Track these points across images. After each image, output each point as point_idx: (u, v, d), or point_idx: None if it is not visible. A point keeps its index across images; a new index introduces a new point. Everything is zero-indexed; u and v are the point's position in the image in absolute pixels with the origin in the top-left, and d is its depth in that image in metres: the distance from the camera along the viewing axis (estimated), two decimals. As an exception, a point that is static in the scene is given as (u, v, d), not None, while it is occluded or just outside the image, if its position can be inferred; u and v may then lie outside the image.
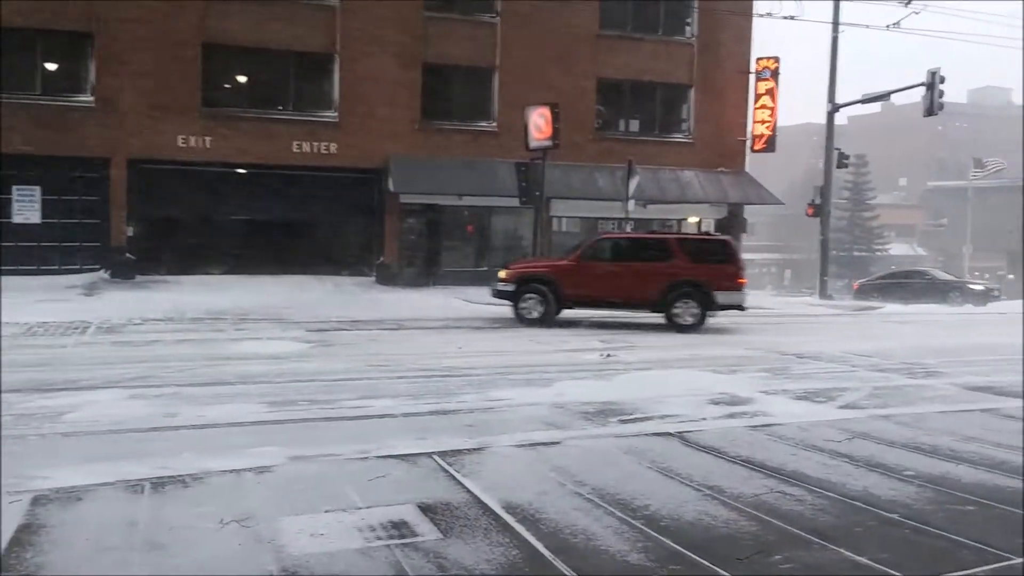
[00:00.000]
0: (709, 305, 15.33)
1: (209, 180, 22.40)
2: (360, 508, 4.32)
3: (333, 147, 23.04)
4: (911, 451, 5.79)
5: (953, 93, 29.82)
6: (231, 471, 4.95)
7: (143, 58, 21.35)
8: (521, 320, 15.53)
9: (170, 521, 4.09)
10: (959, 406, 7.70)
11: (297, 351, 11.02)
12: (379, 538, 3.90)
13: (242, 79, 23.42)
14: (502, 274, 16.27)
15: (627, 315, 16.73)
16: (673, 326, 15.27)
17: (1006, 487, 4.90)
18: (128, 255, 21.33)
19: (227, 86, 23.27)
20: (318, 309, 17.45)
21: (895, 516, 4.34)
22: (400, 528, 4.04)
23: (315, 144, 22.93)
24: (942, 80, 24.31)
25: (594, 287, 15.48)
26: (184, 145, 21.88)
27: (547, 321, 15.42)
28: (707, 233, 18.21)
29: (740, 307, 15.86)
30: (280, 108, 23.08)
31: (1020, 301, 36.58)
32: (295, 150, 22.74)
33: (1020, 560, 3.69)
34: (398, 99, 23.58)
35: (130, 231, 21.85)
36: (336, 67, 23.20)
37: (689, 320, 15.28)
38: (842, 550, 3.83)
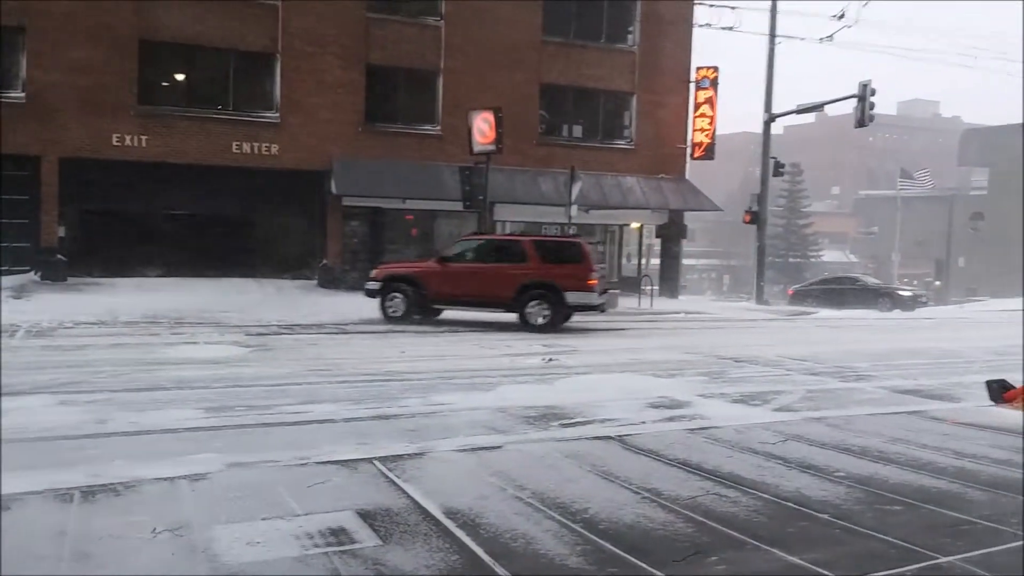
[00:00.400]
0: (560, 306, 15.65)
1: (145, 180, 21.90)
2: (298, 515, 4.27)
3: (274, 148, 22.76)
4: (841, 452, 5.95)
5: (883, 105, 30.77)
6: (165, 479, 4.85)
7: (77, 54, 20.80)
8: (387, 318, 16.20)
9: (100, 530, 3.99)
10: (887, 409, 7.95)
11: (235, 355, 10.83)
12: (317, 545, 3.87)
13: (180, 77, 22.98)
14: (372, 274, 17.00)
15: (571, 320, 16.87)
16: (526, 326, 15.62)
17: (931, 487, 5.07)
18: (60, 256, 20.71)
19: (165, 84, 22.81)
20: (258, 312, 17.18)
21: (826, 516, 4.46)
22: (339, 535, 4.01)
23: (256, 145, 22.61)
24: (872, 92, 25.08)
25: (454, 287, 16.12)
26: (119, 144, 21.38)
27: (409, 319, 16.12)
28: (561, 235, 18.63)
29: (593, 307, 16.06)
30: (220, 108, 22.70)
31: (945, 307, 37.93)
32: (235, 150, 22.39)
33: (945, 559, 3.82)
34: (341, 101, 23.41)
35: (62, 232, 21.23)
36: (277, 67, 22.91)
37: (540, 320, 15.66)
38: (775, 550, 3.93)
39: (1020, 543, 4.06)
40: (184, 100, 22.53)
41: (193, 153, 21.98)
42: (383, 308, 16.37)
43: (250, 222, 23.97)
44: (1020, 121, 33.21)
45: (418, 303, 16.17)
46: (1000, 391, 8.03)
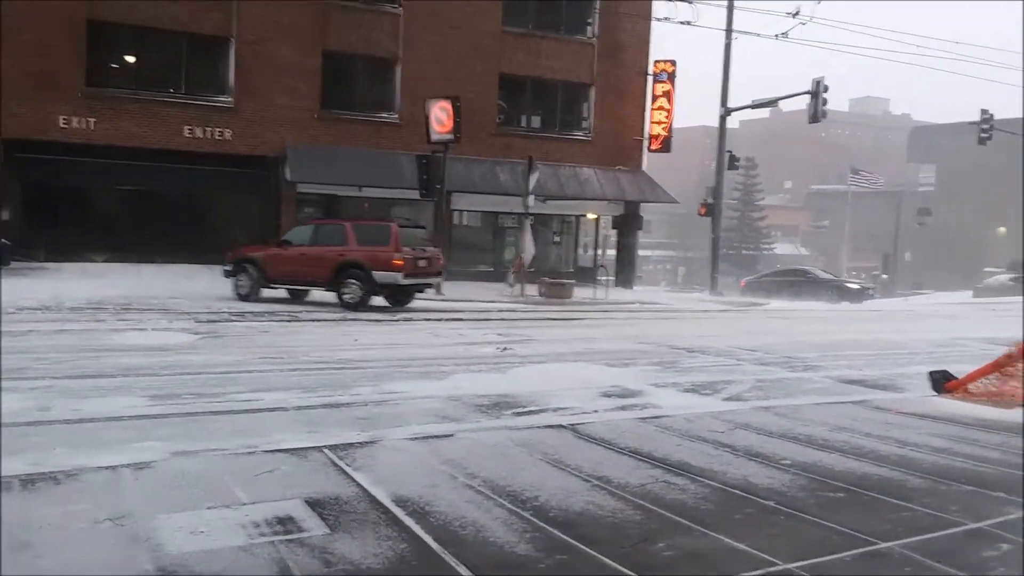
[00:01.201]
0: (370, 285, 16.36)
1: (93, 163, 21.39)
2: (245, 504, 4.21)
3: (228, 133, 22.38)
4: (788, 441, 6.05)
5: (836, 102, 31.27)
6: (107, 467, 4.74)
7: (23, 34, 20.18)
8: (237, 296, 17.38)
9: (40, 520, 3.88)
10: (833, 398, 8.10)
11: (184, 343, 10.65)
12: (263, 534, 3.81)
13: (130, 59, 22.47)
14: (228, 255, 18.07)
15: (524, 309, 16.92)
16: (343, 305, 16.31)
17: (873, 475, 5.18)
18: (3, 240, 20.11)
19: (114, 66, 22.30)
20: (208, 299, 16.91)
21: (771, 503, 4.53)
22: (286, 524, 3.96)
23: (208, 129, 22.22)
24: (825, 89, 25.51)
25: (287, 268, 17.12)
26: (66, 126, 20.86)
27: (255, 297, 17.25)
28: (374, 218, 19.56)
29: (401, 288, 16.69)
30: (171, 91, 22.24)
31: (892, 299, 38.83)
32: (186, 135, 21.98)
33: (884, 545, 3.91)
34: (297, 86, 23.10)
35: (5, 215, 20.68)
36: (231, 51, 22.50)
37: (352, 299, 16.40)
38: (722, 537, 3.98)
39: (958, 529, 4.17)
40: (134, 83, 22.04)
41: (143, 136, 21.53)
42: (235, 287, 17.60)
43: (201, 208, 23.56)
44: (966, 119, 34.06)
45: (261, 283, 17.35)
46: (942, 381, 8.24)
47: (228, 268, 17.79)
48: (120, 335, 11.15)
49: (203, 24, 22.20)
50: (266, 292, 17.57)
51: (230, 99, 22.57)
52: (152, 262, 21.38)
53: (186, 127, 21.99)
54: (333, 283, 16.61)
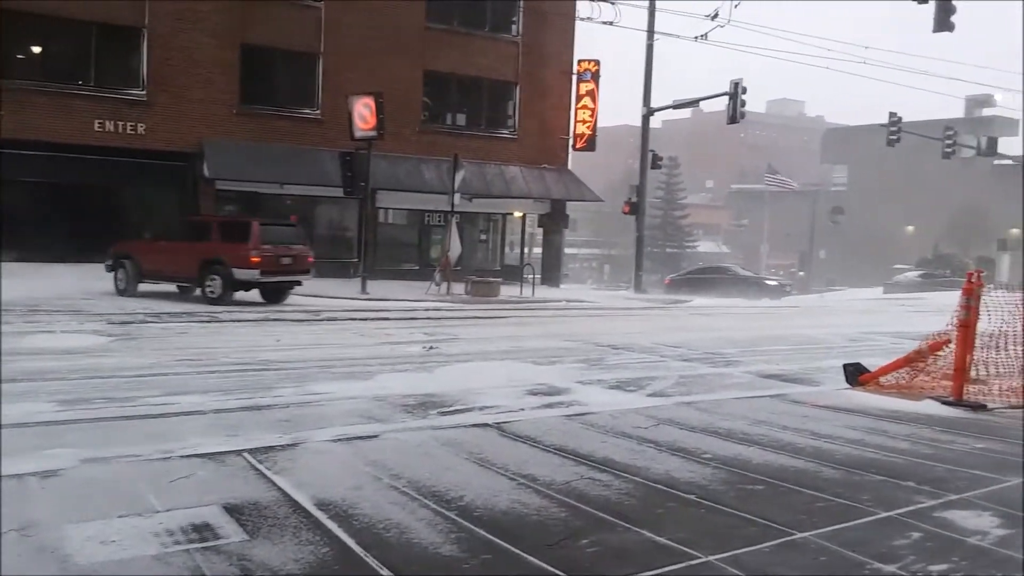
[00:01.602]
0: (230, 281, 16.59)
1: (-2, 157, 20.39)
2: (158, 512, 4.06)
3: (141, 128, 21.66)
4: (709, 435, 6.17)
5: (754, 103, 32.14)
6: (12, 476, 4.51)
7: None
8: (116, 291, 17.65)
9: (-65, 535, 3.67)
10: (752, 392, 8.30)
11: (96, 345, 10.25)
12: (178, 543, 3.69)
13: (37, 50, 21.50)
14: (110, 250, 18.22)
15: (450, 308, 16.85)
16: (205, 299, 16.66)
17: (789, 467, 5.32)
18: None
19: (20, 56, 21.31)
20: (122, 301, 16.33)
21: (692, 497, 4.61)
22: (202, 531, 3.84)
23: (120, 124, 21.45)
24: (744, 91, 26.14)
25: (158, 263, 17.46)
26: (-33, 119, 19.81)
27: (133, 292, 17.55)
28: (236, 216, 20.06)
29: (259, 285, 17.08)
30: (80, 83, 21.38)
31: (808, 296, 40.10)
32: (97, 129, 21.16)
33: (800, 535, 4.01)
34: (214, 80, 22.51)
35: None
36: (144, 42, 21.77)
37: (214, 294, 16.64)
38: (644, 531, 4.02)
39: (870, 518, 4.31)
40: (41, 74, 21.10)
41: (51, 131, 20.63)
42: (115, 281, 17.85)
43: (116, 205, 22.73)
44: (877, 121, 35.44)
45: (137, 278, 17.65)
46: (855, 374, 8.54)
47: (109, 263, 17.93)
48: (26, 338, 10.66)
49: (114, 14, 21.41)
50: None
51: (143, 92, 21.83)
52: (64, 262, 20.51)
53: (96, 121, 21.18)
54: (198, 278, 16.83)
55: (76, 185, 21.67)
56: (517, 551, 3.74)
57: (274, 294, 17.63)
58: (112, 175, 21.97)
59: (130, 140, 21.59)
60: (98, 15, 21.23)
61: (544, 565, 3.59)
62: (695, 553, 3.75)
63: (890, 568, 3.65)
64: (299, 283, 17.81)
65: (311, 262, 17.81)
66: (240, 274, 16.35)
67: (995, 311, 7.85)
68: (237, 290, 16.72)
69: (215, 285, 16.53)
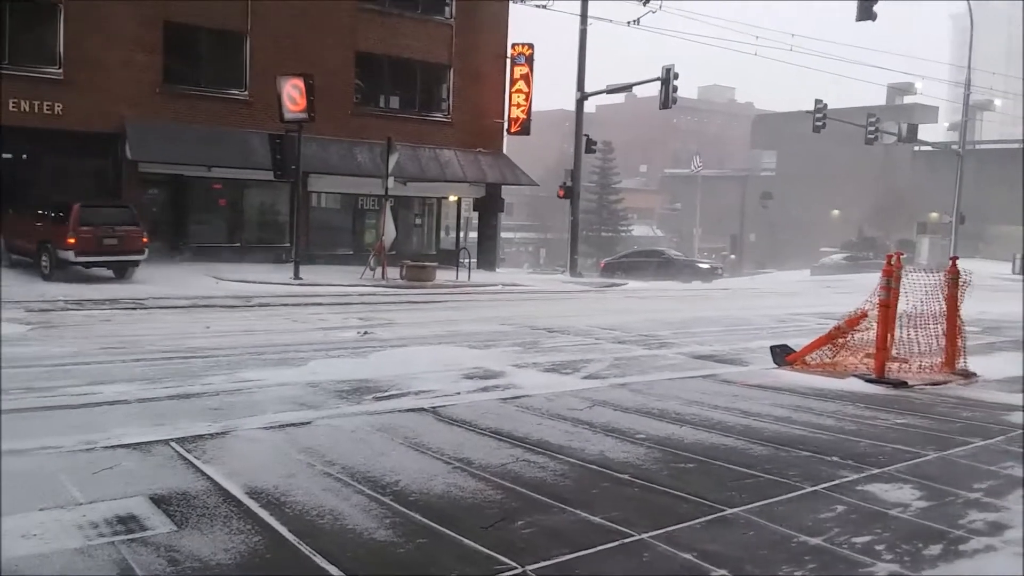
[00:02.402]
0: (56, 260, 17.73)
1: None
2: (81, 504, 3.93)
3: (59, 107, 20.79)
4: (643, 416, 6.26)
5: (686, 89, 32.53)
6: (-78, 472, 4.31)
7: None
8: None
9: None
10: (685, 373, 8.44)
11: (13, 334, 9.85)
12: (102, 535, 3.57)
13: (-56, 24, 20.45)
14: None
15: (385, 293, 16.65)
16: (42, 276, 17.70)
17: (720, 445, 5.43)
18: None
19: (-75, 31, 20.23)
20: (41, 287, 15.74)
21: (626, 477, 4.66)
22: (127, 523, 3.72)
23: (36, 103, 20.55)
24: (675, 76, 26.43)
25: (15, 239, 18.97)
26: None
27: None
28: (66, 202, 19.37)
29: (76, 264, 17.90)
30: (-8, 60, 20.42)
31: (739, 278, 40.97)
32: (12, 108, 20.24)
33: (731, 511, 4.10)
34: (135, 58, 21.74)
35: None
36: (61, 17, 20.88)
37: (47, 271, 17.82)
38: (579, 511, 4.05)
39: (797, 493, 4.43)
40: (-51, 50, 20.08)
41: (-39, 110, 19.68)
42: None
43: (31, 188, 21.81)
44: (804, 108, 36.29)
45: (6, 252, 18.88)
46: (783, 355, 8.77)
47: None
48: (-62, 327, 10.18)
49: (28, -12, 20.47)
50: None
51: (59, 70, 20.97)
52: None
53: (11, 100, 20.26)
54: (36, 256, 18.15)
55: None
56: (452, 534, 3.73)
57: (119, 270, 18.66)
58: (28, 157, 21.08)
59: (46, 120, 20.72)
60: (11, -11, 20.28)
61: (480, 547, 3.59)
62: (629, 531, 3.80)
63: (816, 540, 3.76)
64: (135, 263, 18.68)
65: (145, 243, 18.56)
66: (62, 254, 17.42)
67: (914, 292, 8.14)
68: (64, 268, 17.66)
69: (48, 263, 17.76)
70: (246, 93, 23.58)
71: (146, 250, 18.62)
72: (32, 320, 11.26)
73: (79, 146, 21.52)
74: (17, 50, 20.76)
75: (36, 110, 20.60)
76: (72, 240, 17.21)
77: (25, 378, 7.06)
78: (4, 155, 20.88)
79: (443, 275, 22.65)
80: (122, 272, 18.65)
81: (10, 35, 20.66)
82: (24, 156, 21.54)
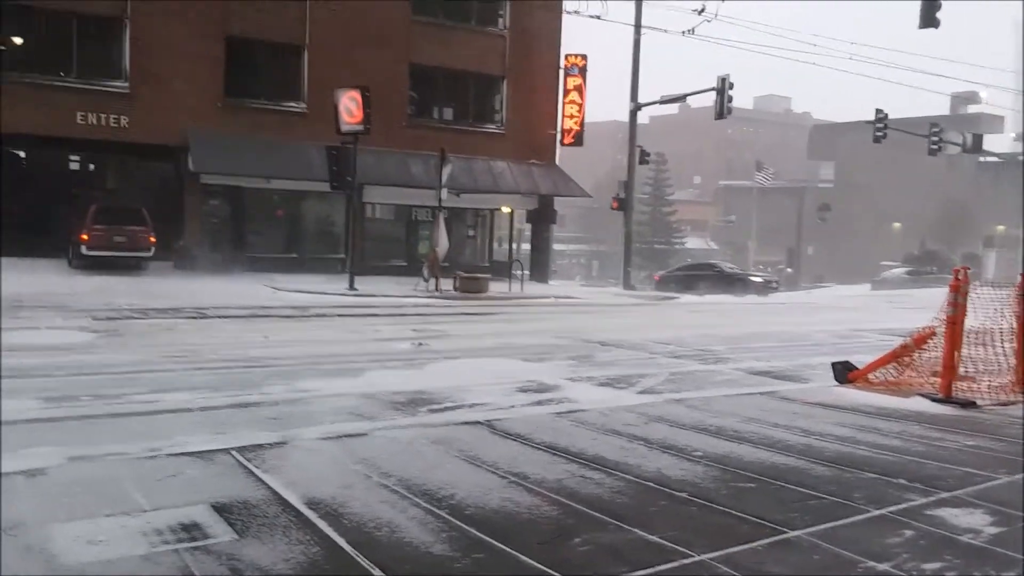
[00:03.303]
0: (78, 255, 20.18)
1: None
2: (146, 511, 4.01)
3: (124, 120, 21.44)
4: (700, 432, 6.16)
5: (741, 99, 32.18)
6: (-4, 475, 4.45)
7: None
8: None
9: (-82, 535, 3.60)
10: (742, 389, 8.30)
11: (81, 342, 10.15)
12: (166, 542, 3.63)
13: (18, 40, 21.25)
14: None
15: (439, 304, 16.76)
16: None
17: (781, 464, 5.32)
18: None
19: (0, 48, 21.03)
20: (107, 296, 16.20)
21: (684, 495, 4.59)
22: (191, 530, 3.79)
23: (103, 116, 21.23)
24: (731, 86, 26.16)
25: (86, 242, 20.36)
26: (-53, 111, 19.58)
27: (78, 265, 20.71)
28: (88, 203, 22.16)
29: (95, 257, 20.52)
30: (62, 75, 21.14)
31: (796, 292, 40.28)
32: (79, 121, 20.94)
33: (793, 533, 4.00)
34: (198, 72, 22.32)
35: None
36: (127, 33, 21.55)
37: (78, 264, 20.20)
38: (636, 530, 4.00)
39: (862, 516, 4.31)
40: (20, 65, 20.85)
41: (31, 123, 20.40)
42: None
43: (97, 199, 22.51)
44: (863, 118, 35.60)
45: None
46: (844, 372, 8.56)
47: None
48: (10, 334, 10.54)
49: (94, 4, 21.17)
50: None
51: (126, 84, 21.62)
52: (48, 257, 20.35)
53: (79, 113, 20.95)
54: (67, 250, 20.95)
55: (57, 188, 21.54)
56: (509, 549, 3.71)
57: (130, 264, 21.04)
58: (95, 168, 21.78)
59: (112, 133, 21.38)
60: (77, 6, 20.99)
61: (536, 564, 3.56)
62: (688, 552, 3.73)
63: (884, 566, 3.64)
64: (143, 257, 21.03)
65: (152, 241, 21.03)
66: (83, 249, 20.07)
67: (982, 308, 7.88)
68: (80, 259, 20.31)
69: (71, 255, 20.69)
70: (304, 105, 24.02)
71: (152, 248, 21.00)
72: (99, 328, 11.58)
73: (143, 157, 22.15)
74: (85, 65, 21.48)
75: (103, 123, 21.28)
76: (85, 236, 20.06)
77: (93, 386, 7.25)
78: (72, 165, 21.61)
79: (496, 287, 22.70)
80: (135, 265, 20.97)
81: (78, 50, 21.37)
82: (91, 166, 22.26)
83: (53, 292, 15.99)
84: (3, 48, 20.95)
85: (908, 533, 4.07)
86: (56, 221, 21.43)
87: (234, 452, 5.11)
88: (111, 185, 22.95)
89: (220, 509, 4.08)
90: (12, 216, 20.90)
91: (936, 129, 35.62)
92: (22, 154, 24.62)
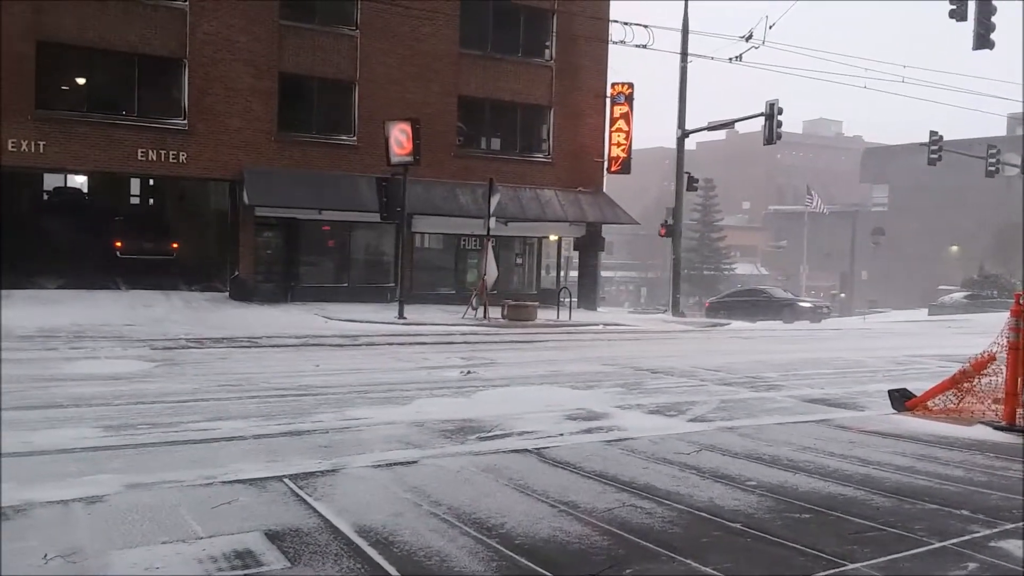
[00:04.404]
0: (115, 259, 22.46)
1: (42, 186, 20.92)
2: (201, 538, 4.07)
3: (183, 156, 22.07)
4: (753, 461, 6.05)
5: (790, 124, 31.86)
6: (58, 502, 4.56)
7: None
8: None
9: (-17, 560, 3.71)
10: (796, 417, 8.14)
11: (139, 371, 10.40)
12: (221, 569, 3.69)
13: (80, 81, 22.09)
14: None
15: (487, 332, 16.79)
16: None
17: (838, 494, 5.19)
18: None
19: (64, 88, 21.89)
20: (164, 326, 16.60)
21: (738, 525, 4.50)
22: (244, 558, 3.83)
23: (163, 152, 21.89)
24: (779, 111, 25.93)
25: None
26: (15, 149, 20.40)
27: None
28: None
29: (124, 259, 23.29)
30: (124, 113, 21.88)
31: (849, 318, 39.44)
32: (140, 158, 21.62)
33: (852, 566, 3.90)
34: (252, 108, 22.90)
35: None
36: (185, 73, 22.25)
37: None
38: (689, 561, 3.94)
39: (924, 548, 4.18)
40: (85, 104, 21.65)
41: (95, 160, 21.13)
42: None
43: (158, 232, 23.17)
44: (917, 141, 34.94)
45: None
46: (902, 400, 8.34)
47: None
48: (72, 364, 10.85)
49: (154, 45, 21.93)
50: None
51: (184, 122, 22.28)
52: (107, 288, 20.93)
53: (140, 150, 21.65)
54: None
55: (118, 222, 22.21)
56: (560, 580, 3.68)
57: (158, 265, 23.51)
58: (152, 203, 22.41)
59: (172, 168, 22.03)
60: (139, 47, 21.76)
61: (588, 595, 3.52)
62: (743, 584, 3.66)
63: (947, 601, 3.52)
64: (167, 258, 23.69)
65: (175, 247, 24.19)
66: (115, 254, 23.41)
67: (1046, 333, 7.61)
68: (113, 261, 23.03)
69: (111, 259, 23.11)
70: (354, 138, 24.46)
71: (175, 253, 24.05)
72: (156, 358, 11.86)
73: (200, 191, 22.73)
74: (146, 103, 22.21)
75: (163, 159, 21.92)
76: (119, 243, 23.62)
77: (150, 414, 7.42)
78: (132, 200, 22.28)
79: (544, 314, 22.68)
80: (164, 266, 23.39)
81: (139, 90, 22.12)
82: (151, 201, 22.92)
83: (112, 322, 16.42)
84: (66, 88, 21.77)
85: (971, 566, 3.94)
86: (110, 252, 22.10)
87: (287, 480, 5.17)
88: (170, 219, 23.64)
89: (273, 537, 4.13)
90: (77, 248, 21.60)
91: (993, 150, 34.80)
92: (84, 189, 25.53)
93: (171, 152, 21.99)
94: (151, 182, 22.91)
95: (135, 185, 22.96)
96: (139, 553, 3.85)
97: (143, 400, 8.14)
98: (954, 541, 4.29)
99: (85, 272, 21.26)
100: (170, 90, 22.44)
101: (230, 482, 5.09)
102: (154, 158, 21.83)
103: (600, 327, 22.25)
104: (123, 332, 15.03)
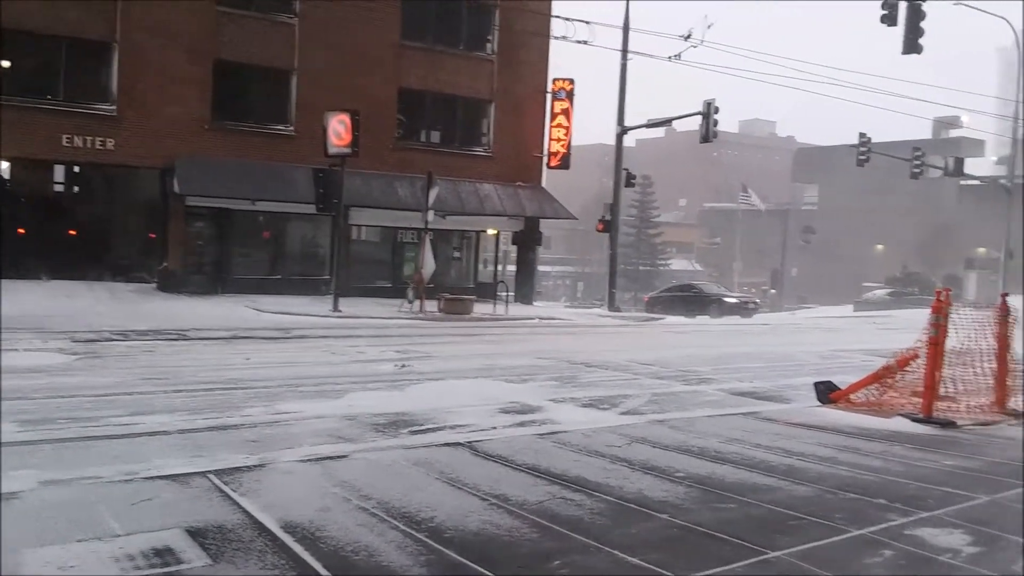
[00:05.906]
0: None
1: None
2: (119, 536, 3.95)
3: (111, 143, 21.36)
4: (682, 453, 6.15)
5: (726, 123, 32.43)
6: (-32, 500, 4.37)
7: None
8: None
9: None
10: (725, 410, 8.30)
11: (59, 364, 10.06)
12: (138, 568, 3.58)
13: (5, 64, 21.20)
14: None
15: (423, 325, 16.70)
16: None
17: (762, 485, 5.31)
18: None
19: (-13, 71, 20.98)
20: (88, 318, 16.09)
21: (665, 516, 4.57)
22: (163, 555, 3.73)
23: (89, 139, 21.15)
24: (716, 110, 26.34)
25: None
26: (-70, 133, 19.46)
27: None
28: None
29: None
30: (49, 97, 21.09)
31: (780, 313, 40.39)
32: (65, 144, 20.85)
33: (773, 554, 3.98)
34: (186, 96, 22.30)
35: None
36: (115, 57, 21.54)
37: None
38: (616, 552, 3.97)
39: (842, 536, 4.30)
40: (7, 88, 20.79)
41: (15, 145, 20.29)
42: None
43: (81, 221, 22.41)
44: (847, 142, 35.95)
45: None
46: (826, 392, 8.58)
47: None
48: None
49: (83, 27, 21.17)
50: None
51: (113, 108, 21.59)
52: (27, 279, 20.15)
53: (64, 136, 20.89)
54: None
55: (39, 210, 21.40)
56: (488, 573, 3.68)
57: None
58: (80, 191, 21.68)
59: (98, 156, 21.31)
60: (68, 29, 20.98)
61: (515, 588, 3.53)
62: (668, 574, 3.71)
63: (863, 588, 3.63)
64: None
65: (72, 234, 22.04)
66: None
67: (963, 329, 7.93)
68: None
69: None
70: (292, 128, 24.03)
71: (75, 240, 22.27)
72: (78, 350, 11.48)
73: (129, 180, 22.07)
74: (72, 88, 21.43)
75: (89, 145, 21.19)
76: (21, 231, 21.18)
77: (69, 408, 7.17)
78: (56, 188, 21.52)
79: (481, 308, 22.67)
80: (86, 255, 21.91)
81: (65, 73, 21.33)
82: (76, 189, 22.19)
83: (31, 314, 15.83)
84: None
85: (888, 553, 4.07)
86: (37, 243, 21.25)
87: (211, 475, 5.05)
88: (96, 208, 22.82)
89: (194, 533, 4.03)
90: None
91: (918, 153, 35.95)
92: (5, 176, 24.53)
93: (98, 139, 21.27)
94: (76, 169, 21.96)
95: (59, 172, 22.00)
96: (53, 551, 3.72)
97: (62, 394, 7.88)
98: (872, 529, 4.42)
99: (2, 261, 20.41)
100: (99, 75, 21.70)
101: (152, 478, 4.96)
102: (80, 144, 21.10)
103: (536, 321, 22.35)
104: (43, 324, 14.50)
